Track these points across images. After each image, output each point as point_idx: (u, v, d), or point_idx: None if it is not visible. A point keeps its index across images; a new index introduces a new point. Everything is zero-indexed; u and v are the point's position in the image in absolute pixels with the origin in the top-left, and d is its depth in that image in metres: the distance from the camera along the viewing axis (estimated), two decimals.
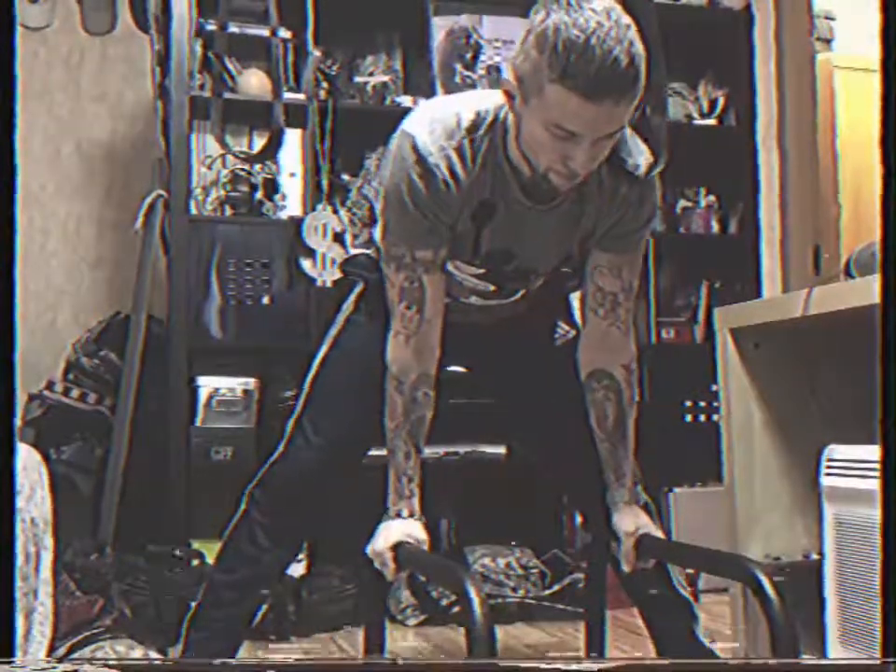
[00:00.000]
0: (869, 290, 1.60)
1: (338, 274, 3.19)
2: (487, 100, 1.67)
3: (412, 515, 1.69)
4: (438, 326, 1.71)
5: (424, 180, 1.62)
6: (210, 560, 2.96)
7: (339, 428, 1.86)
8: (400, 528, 1.68)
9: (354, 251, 2.01)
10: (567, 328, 1.99)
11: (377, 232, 1.85)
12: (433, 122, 1.64)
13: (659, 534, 1.79)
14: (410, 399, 1.69)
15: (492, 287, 1.82)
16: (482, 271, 1.78)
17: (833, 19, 3.91)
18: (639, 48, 1.47)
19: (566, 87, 1.45)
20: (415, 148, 1.62)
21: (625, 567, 1.78)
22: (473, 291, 1.83)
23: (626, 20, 1.47)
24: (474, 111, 1.65)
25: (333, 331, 1.94)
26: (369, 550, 1.70)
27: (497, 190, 1.66)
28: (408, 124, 1.67)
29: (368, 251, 1.96)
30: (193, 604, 1.95)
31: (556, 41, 1.44)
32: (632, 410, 1.80)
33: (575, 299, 1.96)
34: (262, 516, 1.89)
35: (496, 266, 1.77)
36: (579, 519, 3.41)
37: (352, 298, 1.95)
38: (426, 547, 1.68)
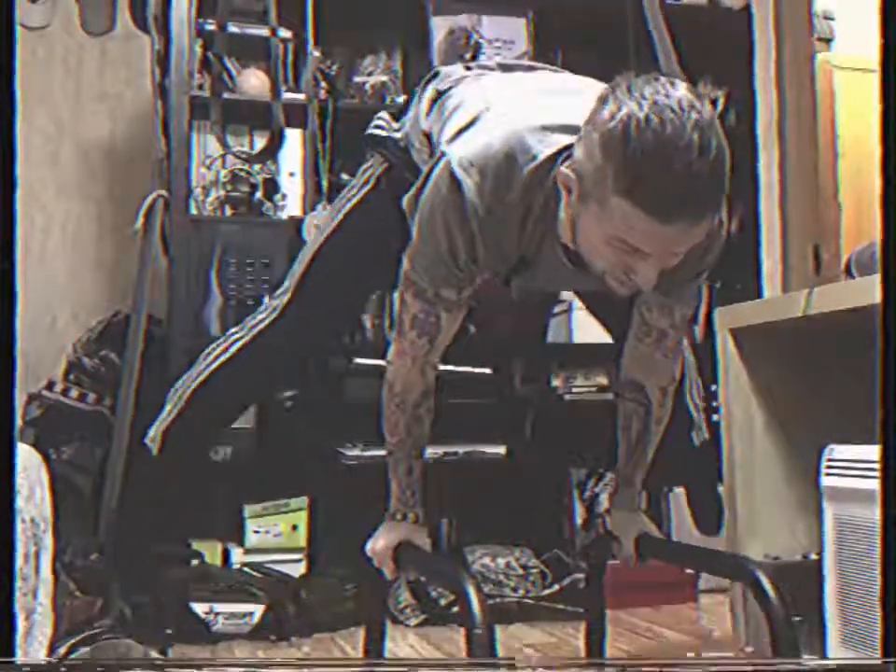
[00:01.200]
0: (869, 290, 1.59)
1: None
2: (552, 137, 1.46)
3: (416, 520, 1.69)
4: (447, 342, 1.63)
5: (464, 236, 1.47)
6: (209, 559, 2.97)
7: (333, 301, 1.85)
8: (403, 531, 1.68)
9: (379, 125, 1.86)
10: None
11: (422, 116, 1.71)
12: (486, 167, 1.45)
13: (658, 534, 1.79)
14: (412, 417, 1.64)
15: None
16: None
17: (832, 19, 3.91)
18: (725, 151, 1.26)
19: (634, 203, 1.24)
20: (461, 198, 1.45)
21: (629, 566, 1.78)
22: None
23: (709, 113, 1.26)
24: (536, 164, 1.44)
25: (346, 208, 1.84)
26: (368, 548, 1.70)
27: (540, 251, 1.53)
28: (457, 157, 1.47)
29: (393, 134, 1.82)
30: (175, 407, 2.08)
31: (626, 148, 1.24)
32: (658, 429, 1.74)
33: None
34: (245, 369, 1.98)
35: (522, 297, 1.73)
36: (579, 519, 3.41)
37: (373, 177, 1.83)
38: (426, 546, 1.69)
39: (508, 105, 1.55)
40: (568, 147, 1.40)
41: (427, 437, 1.69)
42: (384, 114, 1.87)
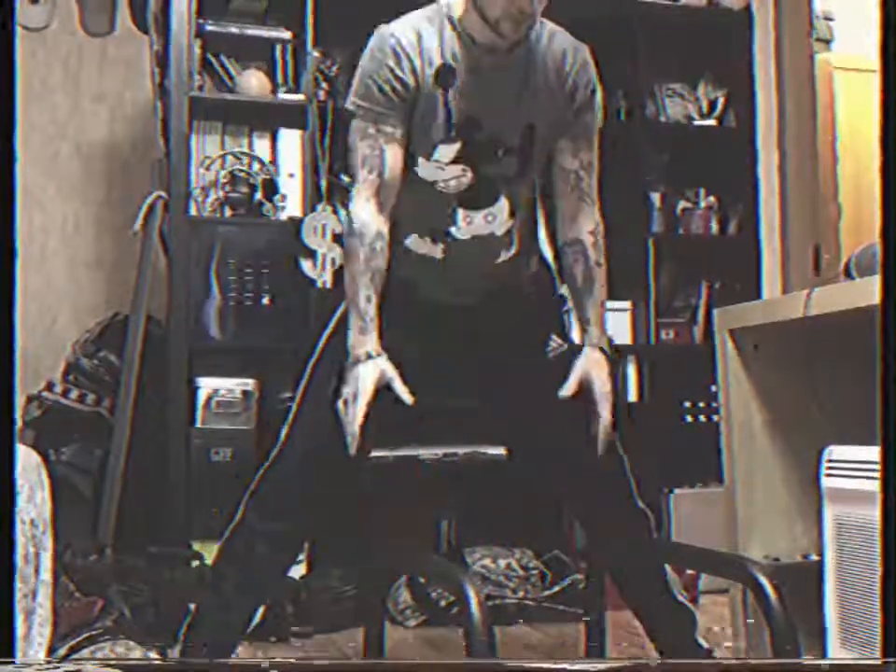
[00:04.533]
0: (869, 291, 1.60)
1: None
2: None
3: (379, 354, 1.82)
4: (395, 193, 1.88)
5: (392, 59, 1.82)
6: (209, 561, 2.97)
7: (333, 434, 1.87)
8: (373, 366, 1.80)
9: None
10: (559, 341, 2.04)
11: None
12: (400, 21, 1.88)
13: (608, 383, 1.89)
14: (370, 250, 1.84)
15: (469, 174, 1.90)
16: (456, 148, 1.88)
17: (832, 19, 3.91)
18: None
19: None
20: (383, 36, 1.85)
21: (563, 393, 1.87)
22: (458, 200, 1.91)
23: None
24: (430, 6, 1.89)
25: (324, 337, 2.02)
26: (346, 395, 1.80)
27: (455, 58, 1.85)
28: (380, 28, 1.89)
29: None
30: (192, 607, 1.96)
31: None
32: (599, 270, 1.97)
33: (568, 314, 2.09)
34: (259, 523, 1.91)
35: (467, 135, 1.88)
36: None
37: (343, 306, 2.00)
38: (397, 380, 1.80)
39: None
40: None
41: (383, 278, 1.85)
42: None
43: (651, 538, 1.92)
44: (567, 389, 1.87)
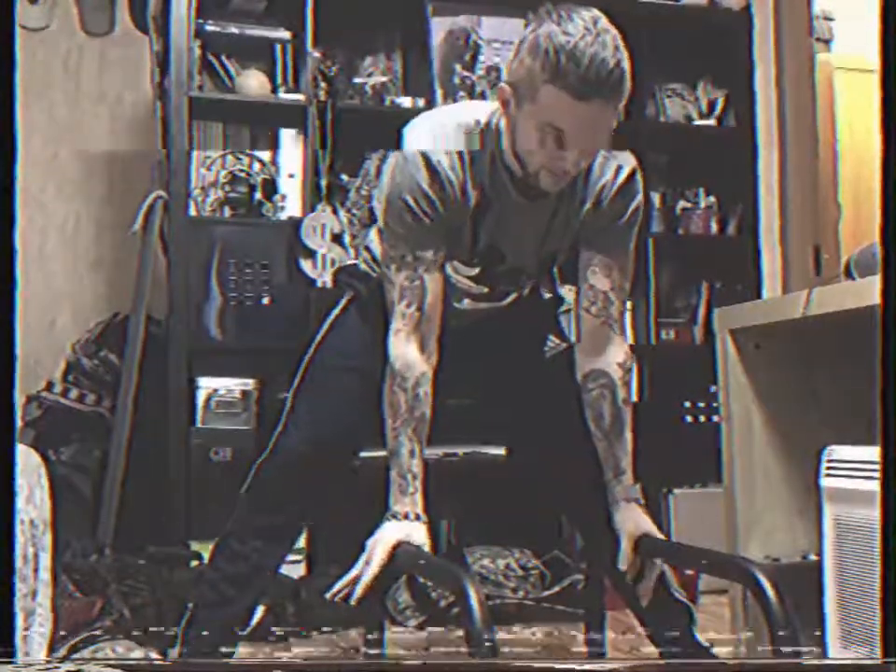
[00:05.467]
0: (869, 291, 1.60)
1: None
2: (481, 108, 1.79)
3: (417, 517, 1.67)
4: (437, 325, 1.74)
5: (428, 181, 1.69)
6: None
7: (327, 428, 1.86)
8: (401, 529, 1.66)
9: (348, 261, 2.04)
10: (557, 341, 2.02)
11: (371, 238, 1.93)
12: (434, 129, 1.75)
13: (659, 535, 1.78)
14: (413, 396, 1.70)
15: (485, 289, 1.87)
16: (476, 271, 1.84)
17: (832, 19, 3.91)
18: (624, 54, 1.57)
19: (557, 87, 1.55)
20: (419, 152, 1.70)
21: (622, 566, 1.76)
22: (467, 294, 1.88)
23: (611, 28, 1.58)
24: (472, 117, 1.75)
25: (321, 333, 1.98)
26: (368, 543, 1.69)
27: (492, 189, 1.74)
28: (410, 132, 1.75)
29: (357, 261, 2.03)
30: (190, 605, 1.96)
31: (548, 47, 1.56)
32: (627, 408, 1.81)
33: (564, 317, 2.04)
34: (253, 516, 1.89)
35: (489, 265, 1.83)
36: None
37: (341, 304, 1.98)
38: (425, 549, 1.66)
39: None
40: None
41: (428, 424, 1.71)
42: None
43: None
44: (625, 562, 1.74)
